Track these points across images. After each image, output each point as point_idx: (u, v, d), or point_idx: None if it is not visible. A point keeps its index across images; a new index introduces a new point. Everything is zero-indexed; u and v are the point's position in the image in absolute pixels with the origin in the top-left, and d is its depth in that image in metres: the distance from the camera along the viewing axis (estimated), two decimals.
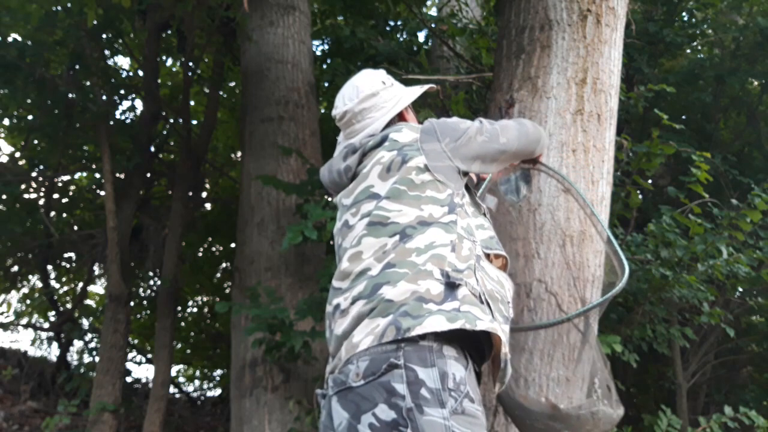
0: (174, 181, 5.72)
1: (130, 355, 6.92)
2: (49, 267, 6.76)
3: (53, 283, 7.07)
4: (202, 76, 6.34)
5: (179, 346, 7.81)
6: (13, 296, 7.28)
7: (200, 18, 4.62)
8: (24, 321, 7.52)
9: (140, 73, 6.09)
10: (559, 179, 2.16)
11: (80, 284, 7.10)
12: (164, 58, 6.47)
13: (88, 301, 7.56)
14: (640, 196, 3.69)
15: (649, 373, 5.15)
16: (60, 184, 6.46)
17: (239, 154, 6.54)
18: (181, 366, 8.52)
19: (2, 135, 6.28)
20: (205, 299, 8.13)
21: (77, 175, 6.72)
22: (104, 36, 5.08)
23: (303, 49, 4.65)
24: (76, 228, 6.53)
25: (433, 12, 6.90)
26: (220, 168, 7.10)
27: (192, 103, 6.44)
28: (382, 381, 1.34)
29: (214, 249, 7.88)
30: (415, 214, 1.54)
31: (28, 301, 7.40)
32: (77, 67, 4.98)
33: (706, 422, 3.65)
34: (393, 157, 1.62)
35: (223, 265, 7.77)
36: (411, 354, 1.35)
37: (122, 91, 5.71)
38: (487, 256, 1.61)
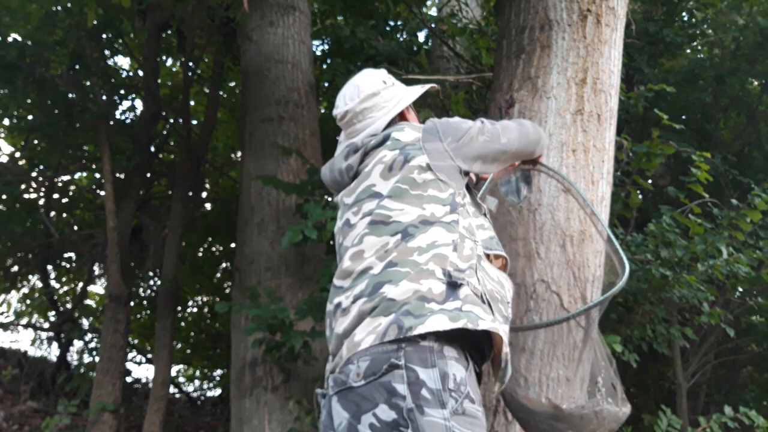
0: (174, 181, 5.72)
1: (130, 355, 6.92)
2: (49, 267, 6.77)
3: (53, 283, 7.07)
4: (202, 76, 6.35)
5: (179, 346, 7.81)
6: (13, 296, 7.29)
7: (200, 18, 4.62)
8: (24, 321, 7.53)
9: (140, 73, 6.09)
10: (559, 179, 2.16)
11: (80, 284, 7.11)
12: (164, 58, 6.47)
13: (88, 301, 7.57)
14: (640, 196, 3.69)
15: (649, 373, 5.15)
16: (60, 184, 6.46)
17: (239, 154, 6.54)
18: (181, 366, 8.52)
19: (2, 135, 6.28)
20: (205, 299, 8.14)
21: (77, 175, 6.72)
22: (104, 36, 5.08)
23: (303, 49, 4.65)
24: (76, 228, 6.54)
25: (433, 12, 6.91)
26: (220, 168, 7.10)
27: (192, 103, 6.44)
28: (382, 381, 1.34)
29: (214, 249, 7.88)
30: (417, 213, 1.54)
31: (28, 301, 7.40)
32: (77, 67, 4.98)
33: (706, 422, 3.65)
34: (395, 156, 1.62)
35: (223, 265, 7.77)
36: (412, 354, 1.35)
37: (122, 91, 5.71)
38: (487, 256, 1.61)
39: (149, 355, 7.36)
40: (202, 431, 6.28)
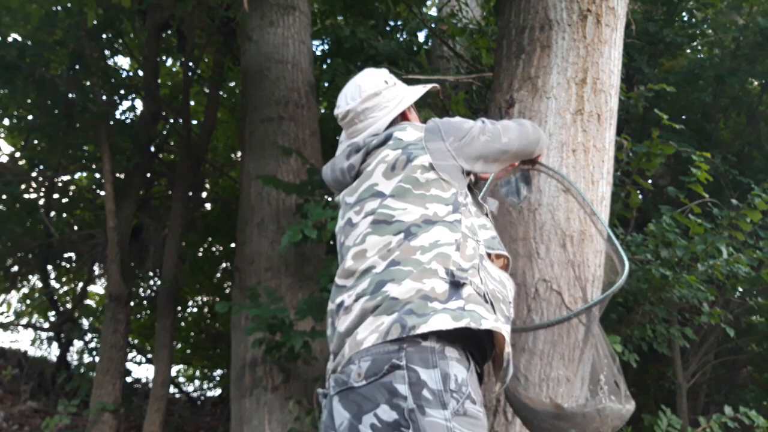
0: (174, 181, 5.72)
1: (130, 355, 6.92)
2: (49, 267, 6.77)
3: (53, 283, 7.07)
4: (202, 76, 6.34)
5: (179, 346, 7.81)
6: (13, 296, 7.29)
7: (200, 18, 4.62)
8: (24, 321, 7.53)
9: (140, 73, 6.09)
10: (559, 179, 2.16)
11: (80, 284, 7.11)
12: (164, 58, 6.47)
13: (88, 301, 7.57)
14: (640, 196, 3.69)
15: (649, 373, 5.15)
16: (60, 184, 6.46)
17: (239, 154, 6.54)
18: (181, 366, 8.52)
19: (2, 135, 6.28)
20: (205, 299, 8.14)
21: (77, 175, 6.72)
22: (104, 36, 5.08)
23: (303, 49, 4.65)
24: (76, 228, 6.53)
25: (433, 12, 6.91)
26: (220, 168, 7.10)
27: (192, 103, 6.44)
28: (383, 381, 1.34)
29: (214, 249, 7.88)
30: (420, 212, 1.54)
31: (28, 301, 7.40)
32: (77, 67, 4.98)
33: (706, 422, 3.65)
34: (398, 156, 1.63)
35: (223, 265, 7.77)
36: (413, 355, 1.35)
37: (122, 91, 5.71)
38: (489, 256, 1.61)
39: (149, 355, 7.36)
40: (202, 431, 6.28)
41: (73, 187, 6.76)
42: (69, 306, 7.21)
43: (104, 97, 5.31)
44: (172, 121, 6.05)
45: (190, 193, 5.69)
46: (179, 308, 6.95)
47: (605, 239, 2.12)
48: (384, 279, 1.46)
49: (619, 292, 3.34)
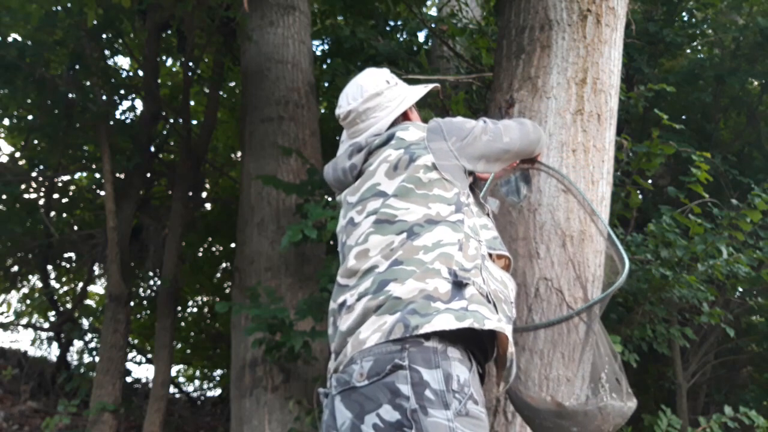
0: (174, 181, 5.72)
1: (130, 355, 6.92)
2: (49, 267, 6.77)
3: (53, 283, 7.07)
4: (202, 76, 6.34)
5: (179, 346, 7.81)
6: (13, 296, 7.29)
7: (200, 18, 4.62)
8: (24, 321, 7.53)
9: (140, 73, 6.09)
10: (559, 178, 2.16)
11: (80, 284, 7.11)
12: (164, 58, 6.47)
13: (88, 301, 7.57)
14: (640, 196, 3.69)
15: (649, 373, 5.15)
16: (60, 184, 6.46)
17: (239, 154, 6.54)
18: (181, 366, 8.52)
19: (2, 135, 6.28)
20: (205, 299, 8.14)
21: (77, 175, 6.72)
22: (104, 36, 5.08)
23: (303, 49, 4.65)
24: (76, 228, 6.53)
25: (433, 12, 6.91)
26: (220, 168, 7.10)
27: (192, 103, 6.44)
28: (386, 382, 1.34)
29: (214, 249, 7.88)
30: (423, 212, 1.55)
31: (28, 301, 7.40)
32: (77, 67, 4.98)
33: (706, 422, 3.65)
34: (400, 156, 1.63)
35: (223, 265, 7.77)
36: (415, 355, 1.35)
37: (122, 91, 5.71)
38: (490, 256, 1.61)
39: (149, 355, 7.36)
40: (202, 431, 6.28)
41: (73, 187, 6.76)
42: (69, 306, 7.21)
43: (104, 97, 5.31)
44: (172, 121, 6.05)
45: (190, 193, 5.69)
46: (179, 308, 6.95)
47: (605, 239, 2.12)
48: (387, 278, 1.46)
49: (619, 291, 3.34)
